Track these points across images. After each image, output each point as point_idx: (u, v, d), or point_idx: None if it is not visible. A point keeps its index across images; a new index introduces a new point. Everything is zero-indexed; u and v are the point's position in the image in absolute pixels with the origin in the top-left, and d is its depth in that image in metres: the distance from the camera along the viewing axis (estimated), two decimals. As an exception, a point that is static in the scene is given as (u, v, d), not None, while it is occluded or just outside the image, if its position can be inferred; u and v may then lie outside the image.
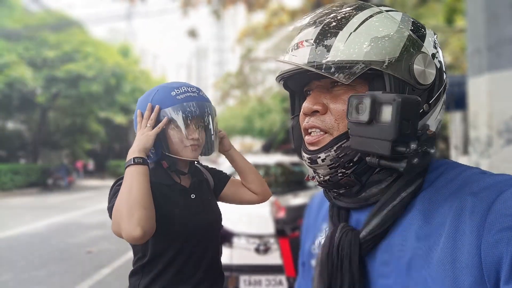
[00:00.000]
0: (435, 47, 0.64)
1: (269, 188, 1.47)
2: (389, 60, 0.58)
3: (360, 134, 0.57)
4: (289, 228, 2.88)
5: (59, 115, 20.73)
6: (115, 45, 21.81)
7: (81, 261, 5.46)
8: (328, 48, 0.59)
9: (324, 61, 0.59)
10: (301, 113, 0.67)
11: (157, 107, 1.21)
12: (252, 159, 4.80)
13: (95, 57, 16.83)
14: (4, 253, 5.95)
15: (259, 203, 1.45)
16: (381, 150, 0.54)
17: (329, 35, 0.60)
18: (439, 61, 0.63)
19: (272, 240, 2.95)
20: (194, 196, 1.29)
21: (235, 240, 3.02)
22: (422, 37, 0.62)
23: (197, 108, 1.23)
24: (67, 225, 8.31)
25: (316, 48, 0.60)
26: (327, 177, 0.64)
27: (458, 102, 6.30)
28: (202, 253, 1.24)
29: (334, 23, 0.61)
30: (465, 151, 8.44)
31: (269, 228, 3.00)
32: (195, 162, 1.36)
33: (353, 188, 0.64)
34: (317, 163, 0.63)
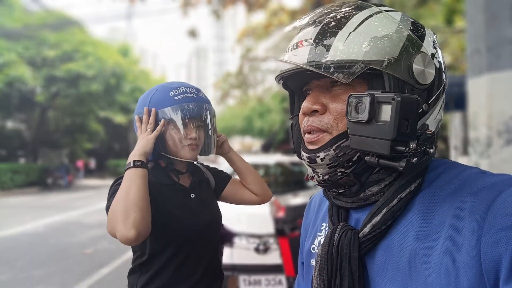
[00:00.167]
0: (435, 47, 0.64)
1: (269, 188, 1.47)
2: (388, 60, 0.58)
3: (360, 133, 0.57)
4: (288, 228, 2.88)
5: (59, 114, 20.72)
6: (115, 45, 21.81)
7: (81, 261, 5.45)
8: (328, 48, 0.59)
9: (323, 61, 0.59)
10: (300, 112, 0.67)
11: (153, 110, 1.22)
12: (251, 159, 4.81)
13: (95, 56, 16.83)
14: (4, 252, 5.95)
15: (260, 204, 1.45)
16: (381, 149, 0.54)
17: (328, 34, 0.60)
18: (439, 61, 0.63)
19: (271, 240, 2.95)
20: (194, 195, 1.29)
21: (235, 240, 3.02)
22: (422, 37, 0.62)
23: (195, 108, 1.23)
24: (66, 225, 8.31)
25: (315, 47, 0.60)
26: (327, 177, 0.64)
27: (458, 102, 6.30)
28: (200, 253, 1.25)
29: (333, 23, 0.61)
30: (465, 152, 8.45)
31: (269, 227, 3.00)
32: (195, 162, 1.36)
33: (352, 188, 0.64)
34: (316, 163, 0.63)
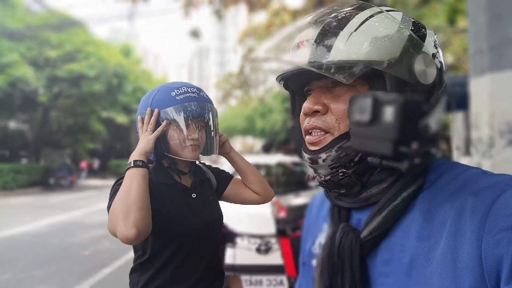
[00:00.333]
0: (436, 47, 0.64)
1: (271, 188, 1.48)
2: (389, 60, 0.58)
3: (362, 134, 0.57)
4: (290, 228, 2.89)
5: (61, 114, 20.77)
6: (117, 45, 21.85)
7: (82, 261, 5.46)
8: (329, 48, 0.59)
9: (324, 61, 0.58)
10: (301, 113, 0.67)
11: (156, 110, 1.23)
12: (253, 159, 4.82)
13: (97, 57, 16.86)
14: (5, 252, 5.97)
15: (261, 203, 1.45)
16: (383, 150, 0.54)
17: (329, 35, 0.60)
18: (440, 61, 0.63)
19: (273, 240, 2.95)
20: (195, 195, 1.29)
21: (237, 240, 3.02)
22: (423, 37, 0.62)
23: (197, 108, 1.24)
24: (68, 225, 8.33)
25: (316, 48, 0.60)
26: (328, 177, 0.64)
27: (460, 102, 6.29)
28: (201, 252, 1.25)
29: (334, 23, 0.61)
30: (467, 152, 8.43)
31: (270, 228, 3.01)
32: (197, 162, 1.36)
33: (354, 188, 0.64)
34: (318, 163, 0.63)
